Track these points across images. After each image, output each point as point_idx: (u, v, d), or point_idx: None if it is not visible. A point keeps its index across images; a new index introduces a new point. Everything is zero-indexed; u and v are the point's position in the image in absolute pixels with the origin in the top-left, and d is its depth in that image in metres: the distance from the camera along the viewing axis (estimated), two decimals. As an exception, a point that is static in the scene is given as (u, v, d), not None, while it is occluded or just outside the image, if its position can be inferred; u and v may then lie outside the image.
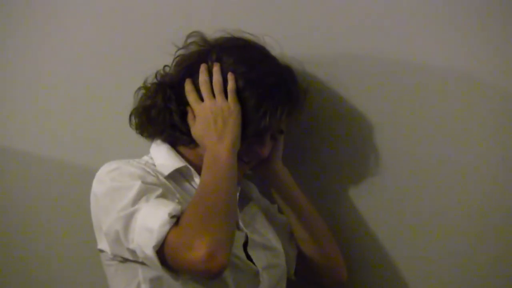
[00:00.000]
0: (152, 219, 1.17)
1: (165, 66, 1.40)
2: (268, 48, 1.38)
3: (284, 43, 1.43)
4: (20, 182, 1.71)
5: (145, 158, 1.38)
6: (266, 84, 1.32)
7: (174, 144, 1.38)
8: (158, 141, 1.39)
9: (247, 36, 1.38)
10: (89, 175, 1.31)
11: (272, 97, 1.32)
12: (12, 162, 1.71)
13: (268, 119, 1.31)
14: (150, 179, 1.27)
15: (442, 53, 1.44)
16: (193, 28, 1.41)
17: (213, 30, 1.40)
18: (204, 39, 1.39)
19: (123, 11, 1.62)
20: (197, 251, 1.13)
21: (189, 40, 1.39)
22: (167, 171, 1.33)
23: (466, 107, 1.44)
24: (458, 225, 1.47)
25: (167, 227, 1.16)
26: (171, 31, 1.44)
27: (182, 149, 1.38)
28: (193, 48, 1.39)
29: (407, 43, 1.45)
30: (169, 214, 1.16)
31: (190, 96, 1.33)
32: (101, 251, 1.30)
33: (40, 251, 1.72)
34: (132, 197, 1.21)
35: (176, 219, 1.17)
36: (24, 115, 1.69)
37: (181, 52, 1.40)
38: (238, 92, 1.31)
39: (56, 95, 1.67)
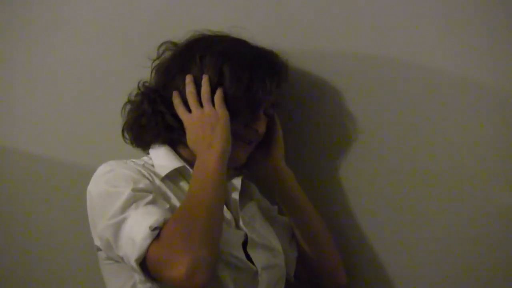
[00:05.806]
0: (136, 230, 1.18)
1: (144, 82, 1.42)
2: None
3: (283, 42, 1.45)
4: (20, 182, 1.72)
5: (145, 158, 1.40)
6: (250, 61, 1.35)
7: (173, 145, 1.39)
8: (157, 145, 1.39)
9: (214, 31, 1.42)
10: (88, 174, 1.31)
11: (258, 71, 1.35)
12: (12, 162, 1.71)
13: (261, 92, 1.34)
14: (143, 183, 1.27)
15: (442, 53, 1.44)
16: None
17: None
18: (175, 44, 1.42)
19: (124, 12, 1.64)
20: (176, 269, 1.13)
21: (161, 49, 1.43)
22: (165, 171, 1.34)
23: (465, 107, 1.44)
24: (458, 225, 1.47)
25: (147, 241, 1.16)
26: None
27: (181, 149, 1.39)
28: (168, 54, 1.42)
29: (407, 44, 1.46)
30: (150, 227, 1.17)
31: (179, 109, 1.35)
32: (99, 249, 1.30)
33: (39, 250, 1.72)
34: (121, 205, 1.21)
35: (159, 231, 1.17)
36: (24, 115, 1.70)
37: (157, 62, 1.43)
38: (230, 80, 1.34)
39: (56, 95, 1.68)
